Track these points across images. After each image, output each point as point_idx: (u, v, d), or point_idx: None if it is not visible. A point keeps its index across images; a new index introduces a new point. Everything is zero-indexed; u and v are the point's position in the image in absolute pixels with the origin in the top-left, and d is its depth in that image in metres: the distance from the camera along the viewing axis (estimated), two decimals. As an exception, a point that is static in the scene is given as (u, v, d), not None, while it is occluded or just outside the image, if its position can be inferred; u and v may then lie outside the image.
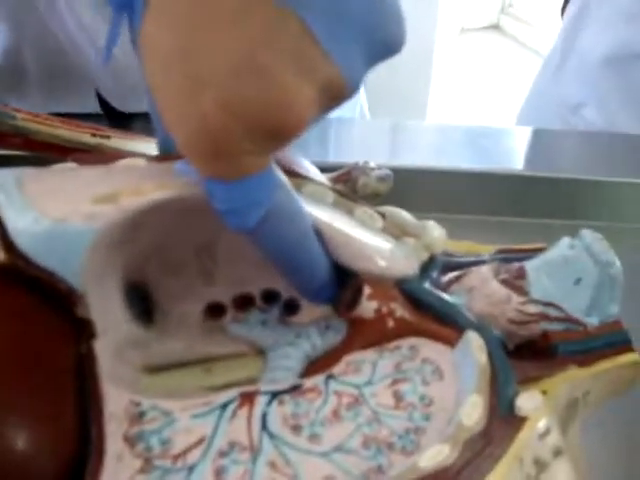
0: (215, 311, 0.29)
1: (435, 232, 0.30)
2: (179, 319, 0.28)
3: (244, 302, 0.29)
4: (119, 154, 0.36)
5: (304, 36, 0.21)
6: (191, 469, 0.21)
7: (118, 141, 0.40)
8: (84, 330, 0.23)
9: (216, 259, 0.28)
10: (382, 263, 0.27)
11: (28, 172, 0.24)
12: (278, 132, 0.22)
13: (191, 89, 0.21)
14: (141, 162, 0.27)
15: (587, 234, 0.31)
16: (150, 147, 0.38)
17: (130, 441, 0.21)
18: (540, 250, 0.33)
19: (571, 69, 0.70)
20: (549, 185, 0.50)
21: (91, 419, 0.21)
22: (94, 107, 0.56)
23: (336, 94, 0.23)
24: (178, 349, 0.27)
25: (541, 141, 0.56)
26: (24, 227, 0.21)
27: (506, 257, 0.33)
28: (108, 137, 0.40)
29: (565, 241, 0.31)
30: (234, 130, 0.21)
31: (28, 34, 0.53)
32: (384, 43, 0.23)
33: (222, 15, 0.20)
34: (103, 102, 0.57)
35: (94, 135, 0.39)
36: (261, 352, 0.28)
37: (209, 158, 0.22)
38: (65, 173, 0.24)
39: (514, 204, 0.51)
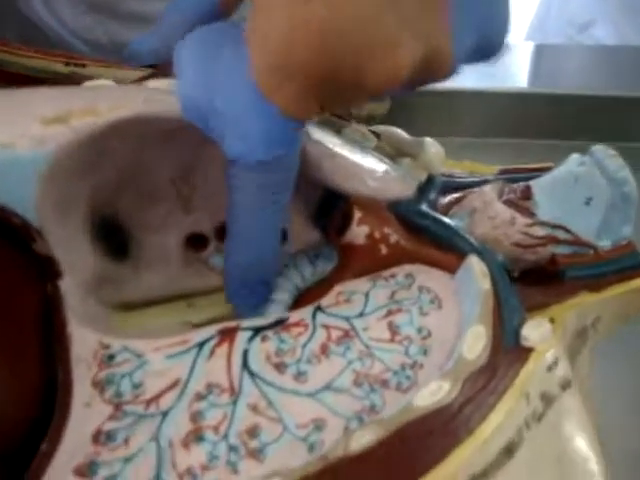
0: (196, 242, 0.26)
1: (432, 149, 0.27)
2: (157, 251, 0.26)
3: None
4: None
5: None
6: (165, 414, 0.19)
7: (95, 69, 0.37)
8: (48, 269, 0.20)
9: (194, 185, 0.26)
10: (373, 184, 0.25)
11: None
12: (366, 82, 0.20)
13: None
14: (107, 83, 0.25)
15: (599, 150, 0.29)
16: (131, 75, 0.36)
17: (99, 386, 0.19)
18: (547, 169, 0.31)
19: None
20: (555, 103, 0.47)
21: (57, 363, 0.19)
22: None
23: (435, 68, 0.21)
24: (157, 283, 0.25)
25: (546, 57, 0.52)
26: None
27: (511, 177, 0.30)
28: (83, 65, 0.37)
29: (575, 158, 0.29)
30: (324, 59, 0.19)
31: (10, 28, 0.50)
32: (490, 43, 0.23)
33: None
34: None
35: (67, 64, 0.36)
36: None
37: (284, 76, 0.20)
38: (16, 93, 0.22)
39: (518, 124, 0.48)
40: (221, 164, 0.23)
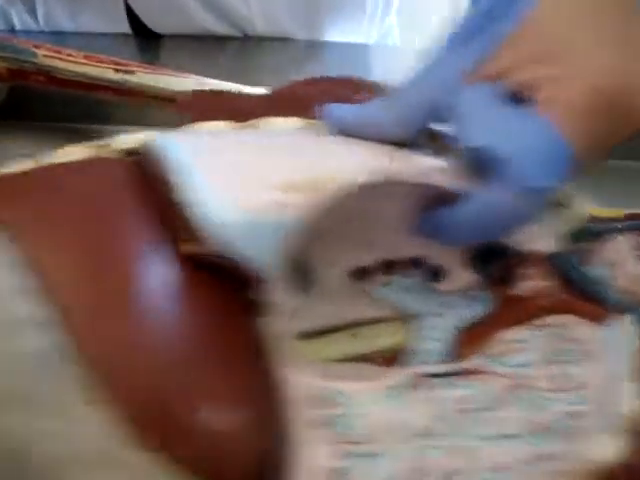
0: (361, 274, 0.29)
1: (584, 202, 0.30)
2: (329, 283, 0.28)
3: (389, 266, 0.29)
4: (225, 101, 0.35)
5: None
6: (380, 455, 0.22)
7: (142, 76, 0.39)
8: (265, 311, 0.23)
9: (367, 227, 0.28)
10: (535, 240, 0.27)
11: (200, 149, 0.24)
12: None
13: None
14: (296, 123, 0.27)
15: None
16: (178, 82, 0.39)
17: (316, 426, 0.22)
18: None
19: None
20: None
21: (278, 403, 0.22)
22: (124, 27, 0.55)
23: None
24: (327, 313, 0.28)
25: None
26: (217, 217, 0.22)
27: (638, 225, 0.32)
28: (132, 72, 0.39)
29: None
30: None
31: None
32: None
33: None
34: (133, 21, 0.56)
35: (117, 71, 0.39)
36: (405, 318, 0.28)
37: (600, 117, 0.24)
38: (229, 151, 0.24)
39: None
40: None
